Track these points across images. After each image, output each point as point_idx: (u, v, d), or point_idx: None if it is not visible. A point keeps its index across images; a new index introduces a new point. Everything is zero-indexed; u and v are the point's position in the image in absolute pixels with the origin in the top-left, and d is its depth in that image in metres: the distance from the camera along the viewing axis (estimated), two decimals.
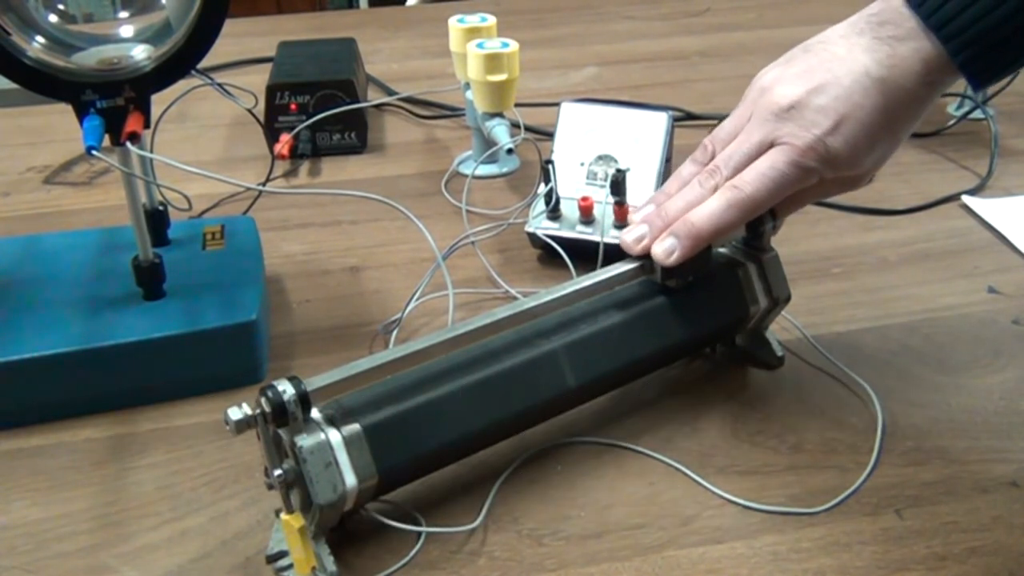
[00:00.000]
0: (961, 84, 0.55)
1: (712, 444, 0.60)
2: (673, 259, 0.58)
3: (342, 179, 0.96)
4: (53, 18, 0.59)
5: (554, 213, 0.77)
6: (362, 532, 0.54)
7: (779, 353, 0.66)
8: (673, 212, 0.59)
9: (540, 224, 0.78)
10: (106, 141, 0.60)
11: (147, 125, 0.61)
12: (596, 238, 0.73)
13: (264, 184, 0.91)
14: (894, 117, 0.55)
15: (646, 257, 0.60)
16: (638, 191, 0.76)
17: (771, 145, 0.56)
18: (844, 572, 0.52)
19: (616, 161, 0.78)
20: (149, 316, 0.65)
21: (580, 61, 1.26)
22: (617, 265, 0.60)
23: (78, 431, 0.62)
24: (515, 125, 0.89)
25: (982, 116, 1.01)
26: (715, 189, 0.58)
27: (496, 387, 0.55)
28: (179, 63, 0.60)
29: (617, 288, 0.61)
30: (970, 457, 0.59)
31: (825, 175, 0.56)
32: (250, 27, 1.40)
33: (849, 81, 0.54)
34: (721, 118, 1.03)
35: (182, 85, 0.64)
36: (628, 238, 0.60)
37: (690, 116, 1.06)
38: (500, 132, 0.87)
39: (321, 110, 0.97)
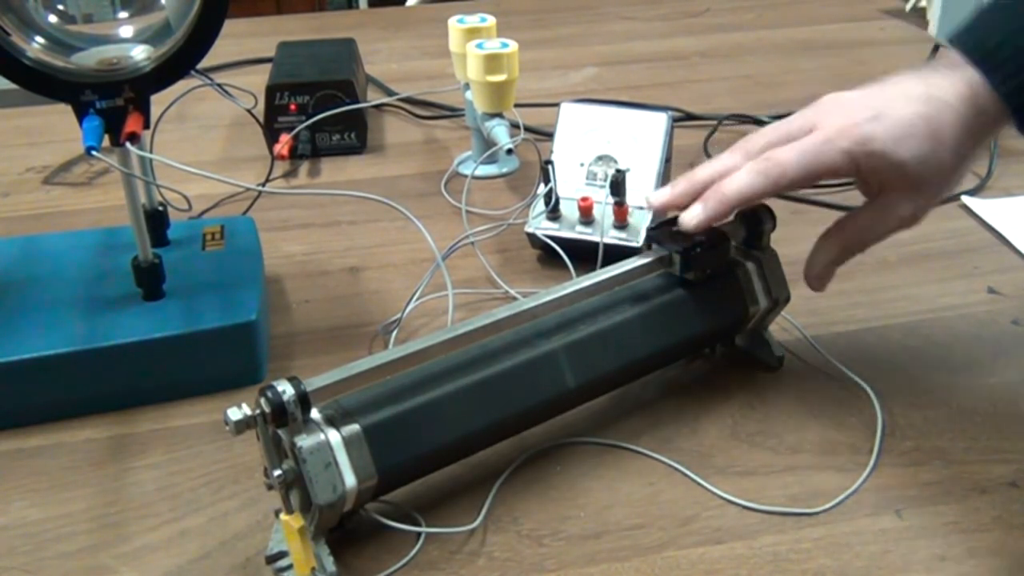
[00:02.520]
0: None
1: (712, 444, 0.60)
2: (696, 221, 0.58)
3: (342, 179, 0.96)
4: (53, 18, 0.59)
5: (554, 213, 0.77)
6: (362, 532, 0.54)
7: (779, 353, 0.66)
8: (703, 177, 0.60)
9: (540, 224, 0.78)
10: (106, 141, 0.60)
11: (147, 125, 0.61)
12: (596, 238, 0.73)
13: (264, 184, 0.91)
14: (937, 127, 0.55)
15: (664, 250, 0.61)
16: (638, 191, 0.76)
17: (811, 131, 0.58)
18: (844, 572, 0.52)
19: (616, 161, 0.78)
20: (149, 316, 0.65)
21: (580, 61, 1.26)
22: (617, 265, 0.60)
23: (78, 431, 0.62)
24: (515, 125, 0.89)
25: None
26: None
27: (496, 387, 0.55)
28: (179, 63, 0.60)
29: (617, 288, 0.61)
30: (970, 457, 0.59)
31: (861, 164, 0.56)
32: (250, 27, 1.40)
33: (895, 93, 0.57)
34: (721, 118, 1.04)
35: (182, 85, 0.64)
36: (655, 199, 0.62)
37: (690, 116, 1.05)
38: (500, 132, 0.87)
39: (321, 110, 0.97)
